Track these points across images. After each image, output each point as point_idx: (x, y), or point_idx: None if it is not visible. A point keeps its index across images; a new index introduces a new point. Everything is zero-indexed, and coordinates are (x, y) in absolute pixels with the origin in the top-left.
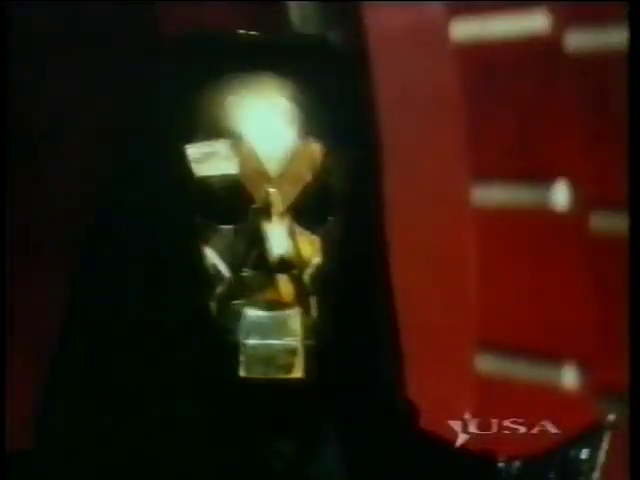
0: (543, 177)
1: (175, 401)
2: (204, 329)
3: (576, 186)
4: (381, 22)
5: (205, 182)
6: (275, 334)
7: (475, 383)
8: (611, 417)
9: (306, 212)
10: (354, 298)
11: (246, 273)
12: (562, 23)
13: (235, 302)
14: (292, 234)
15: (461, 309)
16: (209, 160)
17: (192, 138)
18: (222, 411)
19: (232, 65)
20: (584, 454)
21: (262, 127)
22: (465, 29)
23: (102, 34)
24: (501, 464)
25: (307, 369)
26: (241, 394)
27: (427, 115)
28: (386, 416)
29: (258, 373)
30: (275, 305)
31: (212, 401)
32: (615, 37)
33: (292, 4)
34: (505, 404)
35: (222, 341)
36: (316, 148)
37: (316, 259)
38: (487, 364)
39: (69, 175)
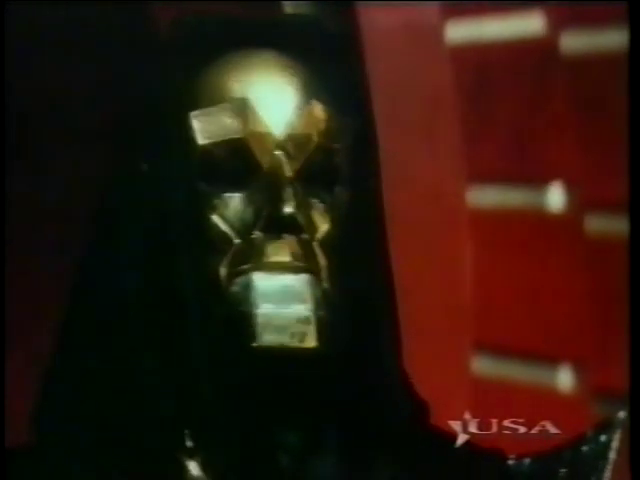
0: (539, 179)
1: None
2: (214, 300)
3: (572, 188)
4: (375, 23)
5: (211, 148)
6: (287, 302)
7: (471, 385)
8: (621, 414)
9: (313, 180)
10: (357, 273)
11: (256, 236)
12: (557, 25)
13: (245, 266)
14: (301, 196)
15: (457, 311)
16: (214, 126)
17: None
18: (235, 381)
19: (233, 43)
20: (594, 452)
21: (266, 92)
22: (460, 30)
23: (102, 33)
24: (511, 461)
25: (320, 340)
26: (251, 365)
27: (422, 116)
28: (396, 411)
29: (271, 341)
30: (285, 269)
31: (225, 374)
32: (610, 39)
33: (287, 4)
34: (501, 406)
35: (234, 310)
36: (320, 110)
37: (324, 225)
38: (483, 366)
39: (69, 173)
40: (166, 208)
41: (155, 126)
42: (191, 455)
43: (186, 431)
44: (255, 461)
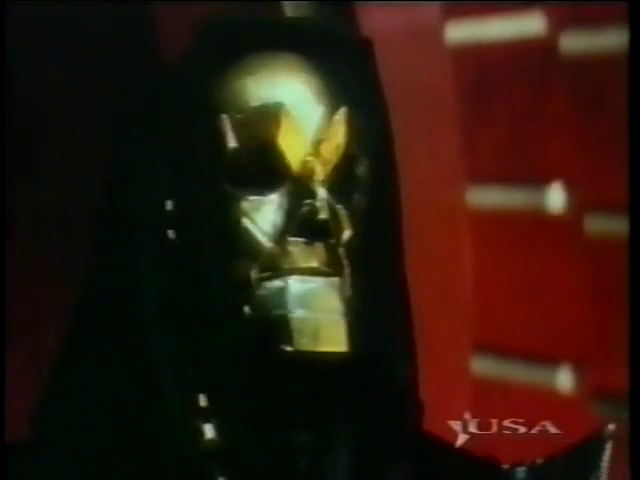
0: (539, 179)
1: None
2: (243, 303)
3: (572, 188)
4: (376, 24)
5: (241, 151)
6: (319, 307)
7: (471, 385)
8: (611, 427)
9: (338, 186)
10: (375, 278)
11: (287, 240)
12: (557, 25)
13: (276, 272)
14: (330, 202)
15: (457, 312)
16: (246, 129)
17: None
18: (262, 384)
19: (261, 45)
20: (587, 463)
21: (298, 97)
22: (460, 31)
23: (102, 33)
24: (505, 470)
25: (350, 344)
26: (281, 369)
27: (422, 117)
28: (401, 413)
29: (306, 345)
30: (316, 273)
31: (252, 376)
32: (610, 39)
33: (287, 4)
34: (501, 406)
35: (263, 314)
36: (347, 116)
37: (347, 231)
38: (483, 366)
39: (69, 173)
40: (194, 210)
41: (182, 127)
42: (211, 462)
43: (206, 439)
44: (273, 463)
